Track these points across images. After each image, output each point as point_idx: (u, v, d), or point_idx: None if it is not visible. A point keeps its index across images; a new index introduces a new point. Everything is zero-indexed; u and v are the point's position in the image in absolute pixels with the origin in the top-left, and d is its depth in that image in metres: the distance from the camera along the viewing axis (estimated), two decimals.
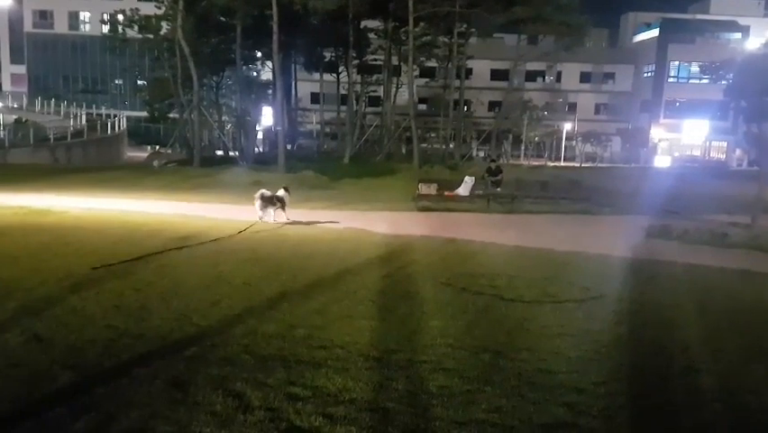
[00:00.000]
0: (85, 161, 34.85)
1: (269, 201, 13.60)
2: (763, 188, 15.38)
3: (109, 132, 44.93)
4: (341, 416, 4.35)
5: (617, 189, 23.96)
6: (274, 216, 13.63)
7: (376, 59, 45.20)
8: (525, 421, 4.41)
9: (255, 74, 49.47)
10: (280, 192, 13.90)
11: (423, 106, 54.80)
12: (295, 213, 14.34)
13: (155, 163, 33.73)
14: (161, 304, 6.99)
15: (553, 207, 18.07)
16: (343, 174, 26.53)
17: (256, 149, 43.97)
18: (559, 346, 6.05)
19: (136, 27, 38.50)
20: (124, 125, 49.57)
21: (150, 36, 38.76)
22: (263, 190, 13.81)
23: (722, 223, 15.02)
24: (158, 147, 46.15)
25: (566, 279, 9.05)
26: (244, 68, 42.53)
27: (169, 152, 39.89)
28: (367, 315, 6.85)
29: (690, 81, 57.54)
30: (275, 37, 28.51)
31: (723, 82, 47.42)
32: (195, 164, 30.14)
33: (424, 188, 17.02)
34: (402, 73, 45.94)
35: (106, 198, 17.19)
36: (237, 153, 38.80)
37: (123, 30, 39.85)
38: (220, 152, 42.74)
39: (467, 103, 53.68)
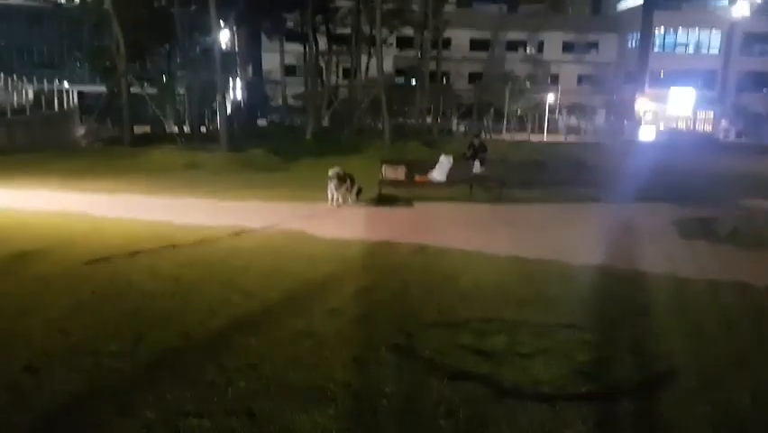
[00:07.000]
0: (29, 142, 30.49)
1: (342, 180, 12.10)
2: None
3: (57, 108, 40.40)
4: None
5: (617, 168, 20.66)
6: (340, 199, 12.11)
7: (346, 27, 41.32)
8: None
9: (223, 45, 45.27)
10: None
11: (401, 79, 51.13)
12: (218, 207, 10.63)
13: (82, 142, 29.46)
14: None
15: (548, 192, 14.54)
16: (303, 153, 22.63)
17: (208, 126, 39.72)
18: None
19: None
20: (75, 101, 44.77)
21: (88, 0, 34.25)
22: (337, 169, 12.13)
23: None
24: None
25: (604, 327, 5.51)
26: (201, 37, 38.15)
27: (97, 127, 35.74)
28: None
29: (677, 50, 54.32)
30: None
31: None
32: (125, 143, 25.77)
33: (389, 172, 13.19)
34: (375, 42, 42.07)
35: None
36: (183, 130, 34.38)
37: None
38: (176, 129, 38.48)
39: (446, 75, 50.31)
